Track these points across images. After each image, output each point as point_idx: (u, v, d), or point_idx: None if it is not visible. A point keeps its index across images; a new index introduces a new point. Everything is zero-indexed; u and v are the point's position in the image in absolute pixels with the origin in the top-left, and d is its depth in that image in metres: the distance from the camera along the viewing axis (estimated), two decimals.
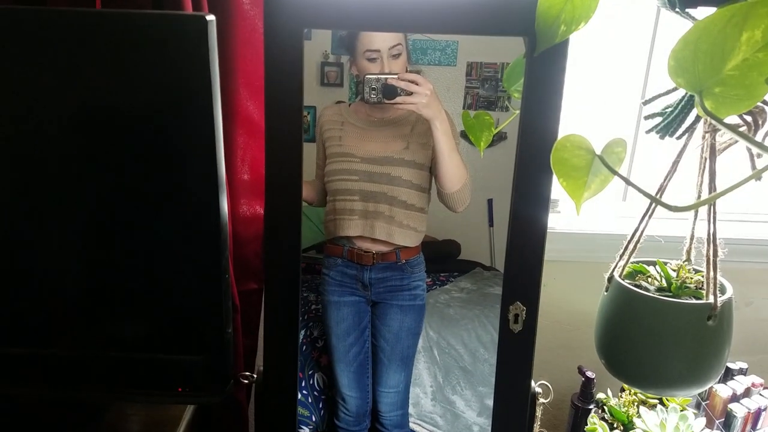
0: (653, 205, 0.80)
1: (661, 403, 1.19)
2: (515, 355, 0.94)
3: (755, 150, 0.59)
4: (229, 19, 1.00)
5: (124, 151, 0.79)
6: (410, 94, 0.94)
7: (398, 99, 0.94)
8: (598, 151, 0.59)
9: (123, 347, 0.89)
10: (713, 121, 0.51)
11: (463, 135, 1.08)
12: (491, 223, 1.11)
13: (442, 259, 1.18)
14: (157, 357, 0.89)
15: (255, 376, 0.99)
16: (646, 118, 0.80)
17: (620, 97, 1.39)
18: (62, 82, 0.75)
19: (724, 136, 0.76)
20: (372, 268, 1.09)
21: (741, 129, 0.74)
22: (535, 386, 0.98)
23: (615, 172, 0.55)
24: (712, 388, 1.23)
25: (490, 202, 1.11)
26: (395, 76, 0.95)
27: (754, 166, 0.72)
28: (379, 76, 0.95)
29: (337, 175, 1.06)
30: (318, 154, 1.10)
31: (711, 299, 0.74)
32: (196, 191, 0.80)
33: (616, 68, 1.38)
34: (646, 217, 0.79)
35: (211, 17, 0.72)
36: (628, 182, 0.56)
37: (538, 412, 0.99)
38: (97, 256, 0.85)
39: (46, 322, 0.87)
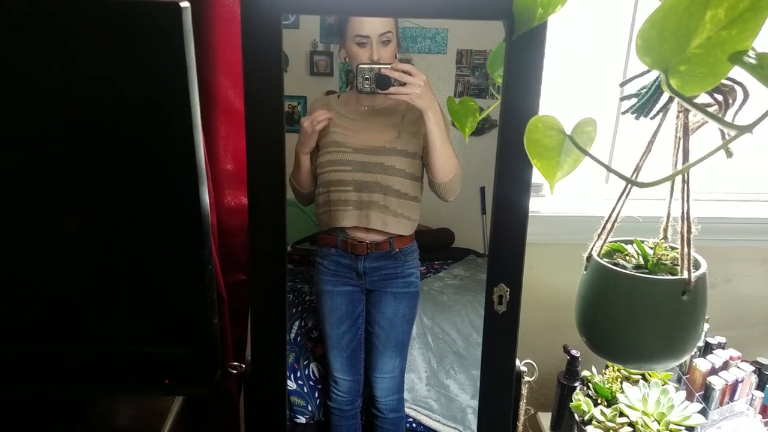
0: (629, 185, 0.81)
1: (644, 378, 1.22)
2: (500, 335, 0.95)
3: (725, 130, 0.60)
4: (207, 8, 1.00)
5: (100, 141, 0.78)
6: (403, 84, 0.94)
7: (391, 89, 0.94)
8: (569, 132, 0.60)
9: (108, 340, 0.89)
10: (678, 99, 0.53)
11: (454, 125, 1.09)
12: (484, 211, 1.12)
13: (437, 247, 1.19)
14: (143, 349, 0.89)
15: (243, 366, 1.00)
16: (622, 99, 0.81)
17: (602, 80, 1.40)
18: (33, 71, 0.74)
19: (697, 116, 0.78)
20: (366, 258, 1.09)
21: (712, 108, 0.76)
22: (520, 365, 1.00)
23: (584, 152, 0.57)
24: (692, 362, 1.25)
25: (482, 190, 1.11)
26: (388, 66, 0.94)
27: (727, 148, 0.74)
28: (372, 66, 0.94)
29: (330, 166, 1.06)
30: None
31: (685, 275, 0.76)
32: (176, 181, 0.80)
33: (597, 51, 1.39)
34: (623, 197, 0.80)
35: (185, 4, 0.71)
36: (596, 160, 0.58)
37: (524, 390, 1.01)
38: (78, 249, 0.84)
39: (30, 318, 0.87)
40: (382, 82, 0.94)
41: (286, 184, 0.90)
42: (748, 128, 0.49)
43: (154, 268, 0.86)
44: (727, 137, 0.75)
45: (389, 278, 1.11)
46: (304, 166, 1.05)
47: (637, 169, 0.81)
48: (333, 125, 1.05)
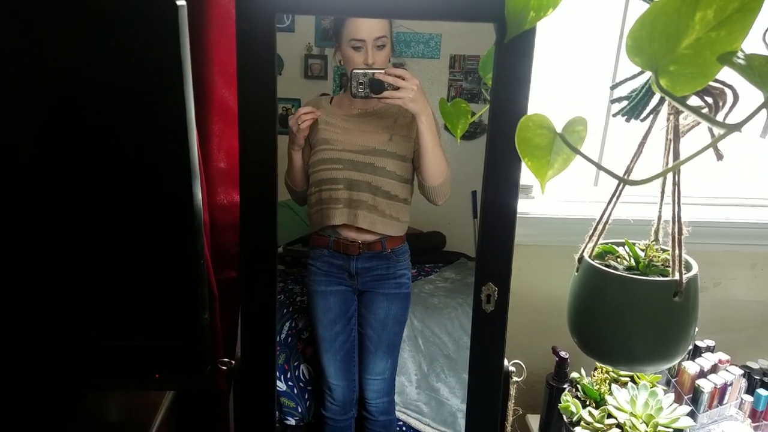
0: (620, 186, 0.82)
1: (633, 381, 1.22)
2: (488, 334, 0.96)
3: (715, 129, 0.61)
4: (203, 7, 1.00)
5: (93, 135, 0.79)
6: (397, 88, 0.95)
7: (385, 93, 0.95)
8: (560, 131, 0.61)
9: (99, 334, 0.89)
10: (668, 98, 0.53)
11: (446, 128, 1.10)
12: (475, 215, 1.13)
13: (428, 250, 1.19)
14: (133, 343, 0.89)
15: (233, 362, 1.00)
16: (612, 101, 0.82)
17: (592, 83, 1.42)
18: (25, 62, 0.74)
19: (687, 119, 0.78)
20: (358, 258, 1.09)
21: (702, 110, 0.77)
22: (509, 365, 1.00)
23: (575, 150, 0.57)
24: (681, 365, 1.26)
25: (474, 194, 1.12)
26: (382, 71, 0.95)
27: (716, 148, 0.75)
28: (367, 70, 0.95)
29: (322, 165, 1.06)
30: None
31: (677, 276, 0.76)
32: (168, 176, 0.80)
33: (587, 54, 1.40)
34: (614, 198, 0.81)
35: (182, 2, 0.72)
36: (587, 159, 0.58)
37: (512, 390, 1.01)
38: (69, 243, 0.84)
39: (18, 310, 0.87)
40: (376, 86, 0.95)
41: (277, 185, 0.90)
42: (737, 127, 0.49)
43: (145, 262, 0.86)
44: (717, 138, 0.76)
45: (381, 279, 1.12)
46: (295, 163, 1.05)
47: (628, 171, 0.82)
48: (325, 124, 1.05)
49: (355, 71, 0.95)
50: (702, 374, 1.24)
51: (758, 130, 0.52)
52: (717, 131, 0.56)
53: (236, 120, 0.87)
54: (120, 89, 0.76)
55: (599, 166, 0.57)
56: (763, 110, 0.48)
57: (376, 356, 1.15)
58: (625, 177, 0.81)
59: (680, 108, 0.56)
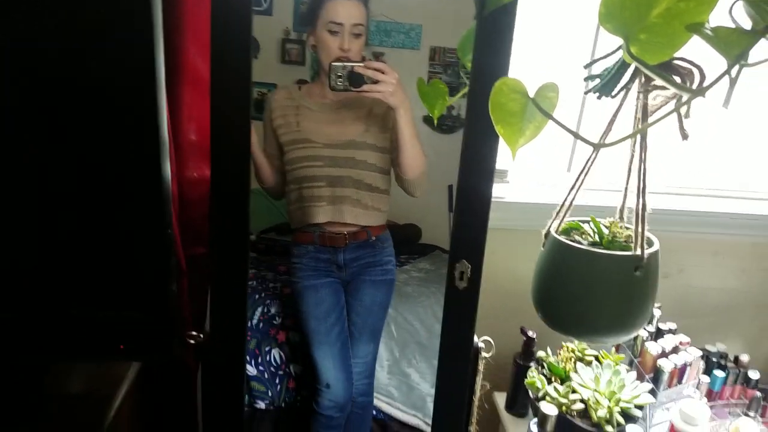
0: (589, 163, 0.83)
1: (597, 360, 1.25)
2: (460, 310, 0.97)
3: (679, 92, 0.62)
4: None
5: (57, 100, 0.76)
6: (376, 82, 0.95)
7: (365, 87, 0.95)
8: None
9: (63, 303, 0.87)
10: (638, 65, 0.54)
11: (426, 120, 1.10)
12: (451, 209, 1.13)
13: (403, 242, 1.20)
14: (99, 313, 0.87)
15: (201, 336, 0.99)
16: (585, 79, 0.83)
17: (569, 62, 1.42)
18: None
19: (656, 99, 0.80)
20: (345, 249, 1.10)
21: (671, 91, 0.79)
22: (478, 341, 1.01)
23: (547, 114, 0.58)
24: (643, 345, 1.29)
25: (450, 188, 1.13)
26: (362, 65, 0.95)
27: (682, 127, 0.77)
28: (346, 63, 0.95)
29: (301, 162, 1.05)
30: (267, 140, 1.08)
31: (639, 251, 0.78)
32: (136, 140, 0.79)
33: (564, 34, 1.41)
34: (587, 166, 0.82)
35: None
36: (559, 124, 0.59)
37: (481, 366, 1.02)
38: (31, 207, 0.82)
39: None
40: (356, 80, 0.95)
41: (250, 171, 0.89)
42: (701, 92, 0.51)
43: (111, 230, 0.84)
44: (684, 118, 0.78)
45: (368, 266, 1.12)
46: (259, 162, 1.05)
47: (600, 143, 0.83)
48: (298, 119, 1.04)
49: (334, 64, 0.95)
50: (663, 355, 1.27)
51: (722, 125, 0.53)
52: (684, 96, 0.57)
53: (208, 91, 0.85)
54: (86, 53, 0.74)
55: (572, 132, 0.58)
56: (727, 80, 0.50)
57: (360, 341, 1.15)
58: (595, 155, 0.82)
59: (650, 75, 0.57)
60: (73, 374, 1.05)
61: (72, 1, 0.71)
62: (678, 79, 0.75)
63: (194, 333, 0.99)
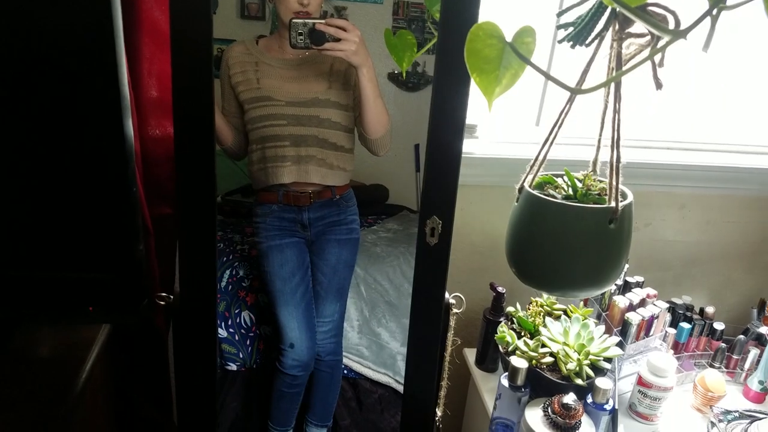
0: (564, 114, 0.82)
1: (566, 314, 1.27)
2: (431, 266, 0.96)
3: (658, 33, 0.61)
4: None
5: (12, 55, 0.73)
6: (338, 40, 0.92)
7: (326, 45, 0.92)
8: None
9: (29, 264, 0.85)
10: (618, 6, 0.53)
11: (391, 78, 1.07)
12: (418, 169, 1.12)
13: (371, 202, 1.19)
14: (66, 275, 0.86)
15: (171, 297, 0.97)
16: (558, 27, 0.81)
17: (538, 10, 1.39)
18: None
19: (630, 48, 0.79)
20: (310, 208, 1.08)
21: (645, 39, 0.78)
22: (449, 297, 1.02)
23: (526, 60, 0.56)
24: (611, 299, 1.32)
25: (416, 147, 1.12)
26: (323, 22, 0.91)
27: (656, 76, 0.76)
28: (306, 20, 0.91)
29: (264, 121, 1.02)
30: (225, 97, 1.05)
31: (613, 204, 0.78)
32: (96, 97, 0.76)
33: None
34: (562, 114, 0.81)
35: None
36: (537, 69, 0.57)
37: (452, 322, 1.03)
38: None
39: None
40: (317, 37, 0.92)
41: (214, 130, 0.86)
42: (683, 33, 0.50)
43: (75, 189, 0.81)
44: (658, 67, 0.77)
45: (333, 225, 1.11)
46: (217, 122, 1.00)
47: (571, 100, 0.82)
48: (258, 76, 1.01)
49: (294, 21, 0.91)
50: (631, 308, 1.30)
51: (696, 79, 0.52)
52: (662, 37, 0.56)
53: (168, 43, 0.81)
54: (41, 6, 0.70)
55: (549, 77, 0.56)
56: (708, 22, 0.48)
57: (327, 300, 1.15)
58: (569, 105, 0.81)
59: (631, 16, 0.55)
60: (44, 339, 1.02)
61: None
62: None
63: (164, 294, 0.97)
